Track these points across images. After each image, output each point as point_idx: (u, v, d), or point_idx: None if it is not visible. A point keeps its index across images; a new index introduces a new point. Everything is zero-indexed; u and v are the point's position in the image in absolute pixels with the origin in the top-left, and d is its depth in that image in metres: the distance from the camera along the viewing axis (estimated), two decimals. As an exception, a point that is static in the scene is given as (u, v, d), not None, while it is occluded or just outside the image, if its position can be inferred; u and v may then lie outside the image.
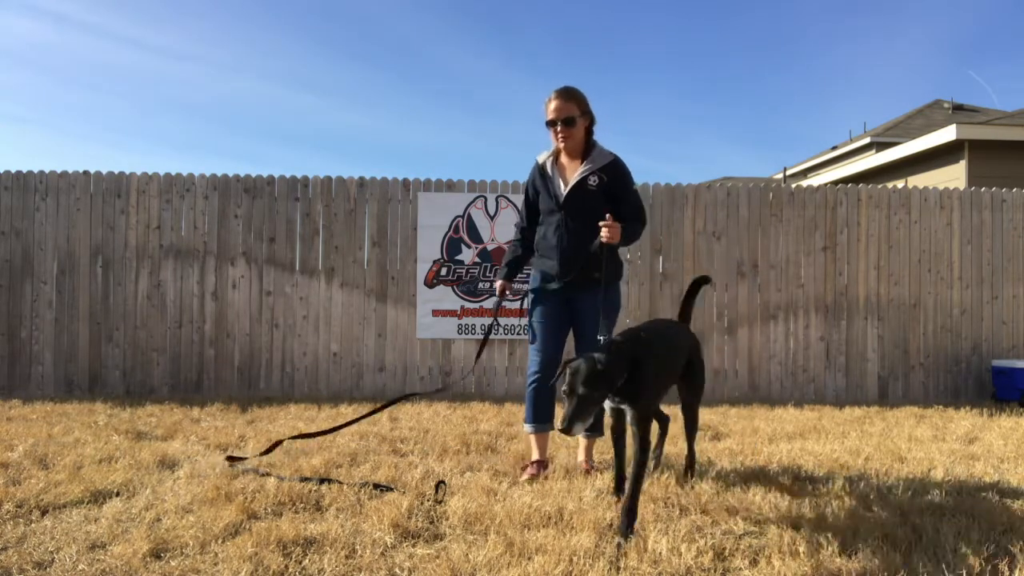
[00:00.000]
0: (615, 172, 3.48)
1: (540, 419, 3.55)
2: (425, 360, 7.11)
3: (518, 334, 7.04)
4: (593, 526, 2.58)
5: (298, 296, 7.08)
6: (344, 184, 7.23)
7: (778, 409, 6.28)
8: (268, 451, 3.68)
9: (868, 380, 7.43)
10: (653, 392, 2.90)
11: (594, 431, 3.61)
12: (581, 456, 3.66)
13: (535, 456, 3.55)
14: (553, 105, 3.44)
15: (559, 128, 3.44)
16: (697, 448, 4.22)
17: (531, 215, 3.68)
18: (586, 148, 3.51)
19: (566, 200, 3.46)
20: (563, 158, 3.57)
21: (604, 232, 3.20)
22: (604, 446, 3.67)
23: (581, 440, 3.68)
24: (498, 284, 3.70)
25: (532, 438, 3.59)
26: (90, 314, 6.97)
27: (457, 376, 7.01)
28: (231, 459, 3.61)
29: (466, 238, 7.14)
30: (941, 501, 2.98)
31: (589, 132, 3.54)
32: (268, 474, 3.34)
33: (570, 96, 3.44)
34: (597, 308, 3.40)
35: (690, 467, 3.38)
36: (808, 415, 5.89)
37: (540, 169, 3.60)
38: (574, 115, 3.43)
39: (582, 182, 3.44)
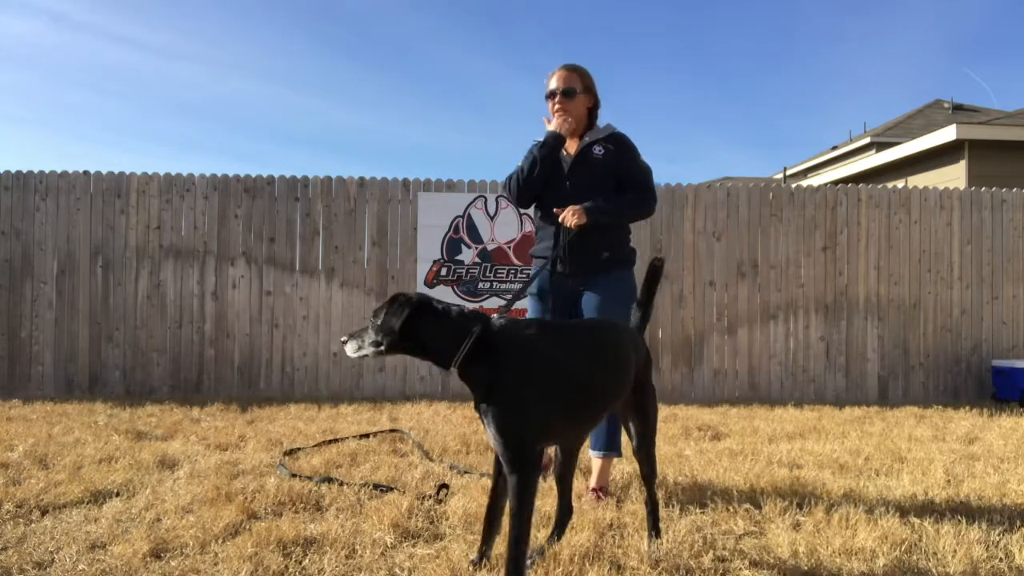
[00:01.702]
0: (621, 143, 3.24)
1: None
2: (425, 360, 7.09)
3: (518, 334, 7.04)
4: (593, 526, 2.58)
5: (298, 296, 7.08)
6: (344, 184, 7.23)
7: (778, 409, 6.28)
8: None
9: (868, 380, 7.43)
10: (532, 411, 2.01)
11: (609, 449, 3.17)
12: (592, 480, 3.17)
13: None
14: (556, 75, 3.23)
15: (558, 98, 3.19)
16: (695, 450, 4.22)
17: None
18: (589, 127, 3.28)
19: (571, 171, 3.20)
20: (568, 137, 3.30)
21: (564, 217, 2.97)
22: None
23: (594, 460, 3.22)
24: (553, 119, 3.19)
25: None
26: (90, 314, 6.97)
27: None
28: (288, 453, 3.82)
29: (466, 238, 7.14)
30: (941, 501, 2.98)
31: (592, 115, 3.29)
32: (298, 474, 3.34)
33: (574, 69, 3.24)
34: (609, 297, 3.14)
35: (654, 523, 2.45)
36: (808, 415, 5.89)
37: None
38: (575, 87, 3.19)
39: (586, 152, 3.20)
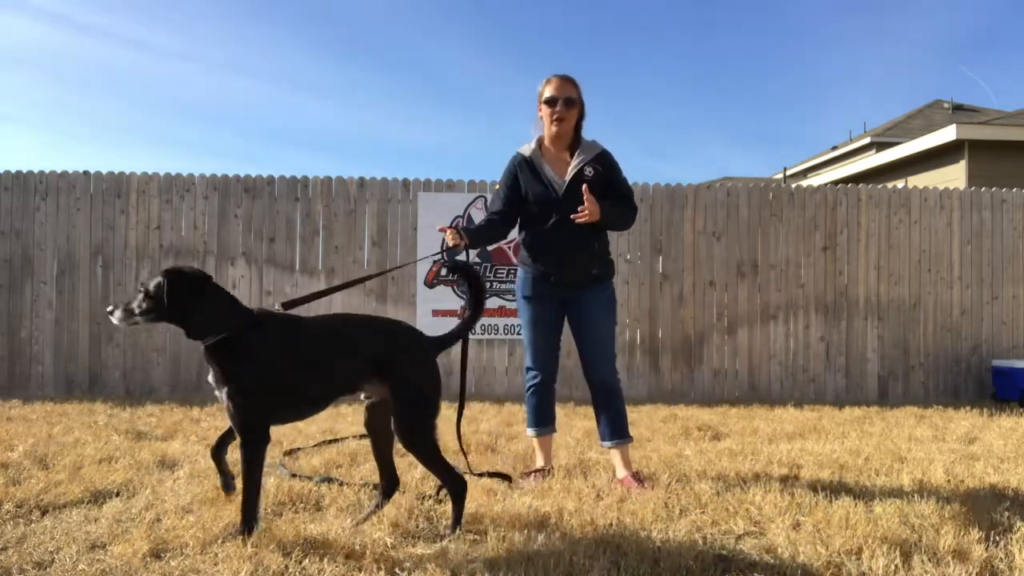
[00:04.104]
0: (608, 162, 3.41)
1: (542, 423, 3.49)
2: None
3: (517, 334, 7.05)
4: (593, 526, 2.58)
5: (298, 296, 7.07)
6: (344, 184, 7.23)
7: (778, 409, 6.28)
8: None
9: (868, 380, 7.43)
10: (247, 396, 2.35)
11: (621, 437, 3.34)
12: (621, 471, 3.29)
13: (539, 463, 3.50)
14: (555, 83, 3.33)
15: (558, 107, 3.30)
16: (695, 450, 4.21)
17: (510, 205, 3.43)
18: (575, 139, 3.42)
19: (567, 192, 3.30)
20: (550, 149, 3.42)
21: (584, 210, 3.15)
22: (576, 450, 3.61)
23: (612, 451, 3.38)
24: (450, 231, 3.20)
25: (535, 443, 3.53)
26: (90, 314, 6.97)
27: (458, 376, 7.00)
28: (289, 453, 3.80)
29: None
30: (941, 501, 2.98)
31: (579, 126, 3.43)
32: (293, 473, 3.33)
33: (570, 79, 3.37)
34: (599, 305, 3.38)
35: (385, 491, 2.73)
36: (808, 415, 5.89)
37: (526, 160, 3.42)
38: (575, 96, 3.34)
39: (579, 173, 3.32)
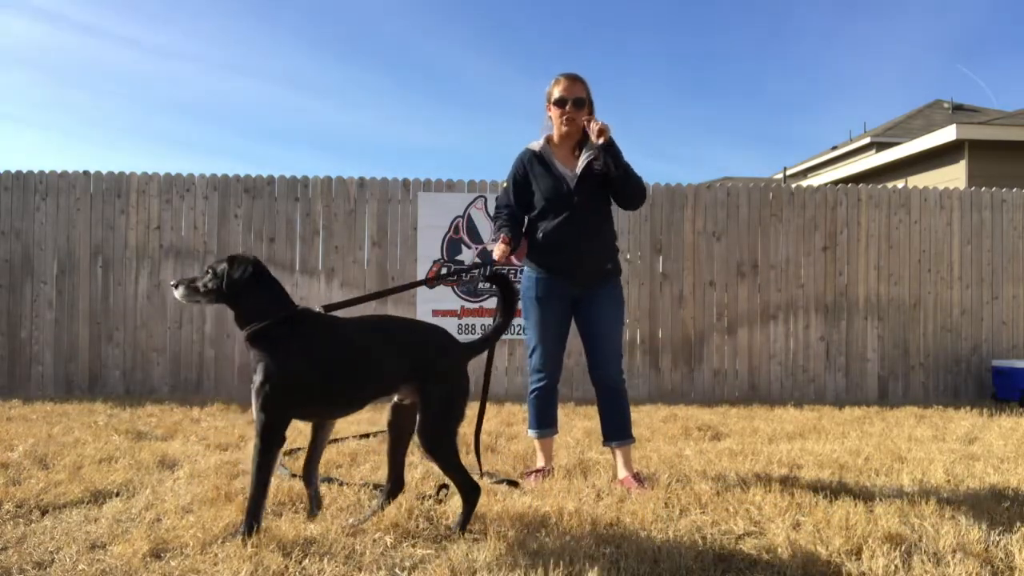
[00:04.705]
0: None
1: (544, 424, 3.48)
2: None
3: (517, 334, 7.04)
4: (593, 526, 2.58)
5: (298, 296, 7.07)
6: (344, 184, 7.23)
7: (778, 409, 6.28)
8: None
9: (868, 380, 7.43)
10: (274, 388, 2.36)
11: (624, 437, 3.34)
12: (621, 471, 3.29)
13: (540, 463, 3.50)
14: (564, 84, 3.32)
15: (568, 107, 3.29)
16: (695, 450, 4.22)
17: (519, 201, 3.43)
18: (583, 137, 3.41)
19: (577, 187, 3.31)
20: (558, 146, 3.42)
21: (595, 128, 3.19)
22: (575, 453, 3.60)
23: (614, 451, 3.38)
24: (500, 245, 3.27)
25: (537, 444, 3.53)
26: (90, 314, 6.97)
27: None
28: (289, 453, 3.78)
29: (466, 238, 7.15)
30: (941, 501, 2.98)
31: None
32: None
33: (579, 79, 3.36)
34: (610, 304, 3.37)
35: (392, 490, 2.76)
36: (808, 415, 5.89)
37: (536, 155, 3.41)
38: (584, 96, 3.33)
39: (588, 168, 3.32)
